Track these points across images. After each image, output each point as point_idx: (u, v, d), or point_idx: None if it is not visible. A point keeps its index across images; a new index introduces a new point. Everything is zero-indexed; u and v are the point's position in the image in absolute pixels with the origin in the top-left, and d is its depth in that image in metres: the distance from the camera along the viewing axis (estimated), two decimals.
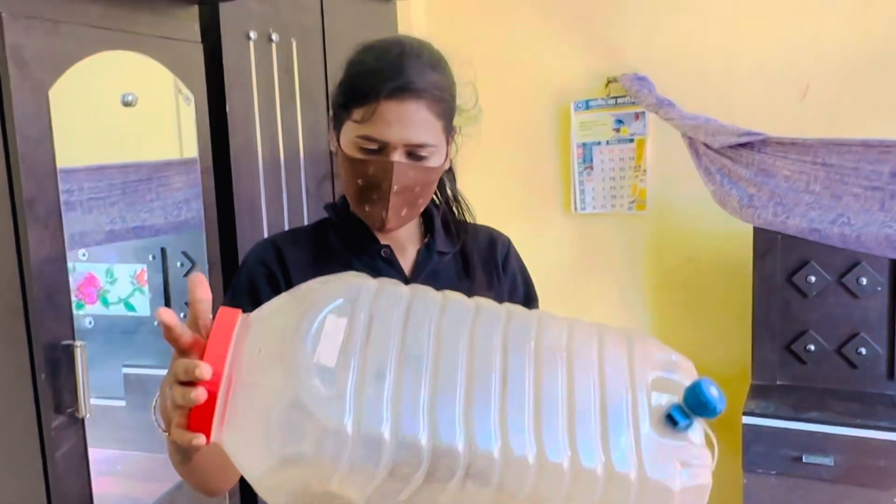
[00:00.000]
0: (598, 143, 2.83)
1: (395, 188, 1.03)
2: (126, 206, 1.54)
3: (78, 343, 1.29)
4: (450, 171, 1.21)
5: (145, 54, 1.48)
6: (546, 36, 2.87)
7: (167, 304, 1.81)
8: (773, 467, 2.21)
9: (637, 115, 2.76)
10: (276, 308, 0.72)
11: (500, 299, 1.14)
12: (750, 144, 2.29)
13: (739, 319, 2.65)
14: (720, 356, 2.77)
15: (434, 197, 1.20)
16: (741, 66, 2.62)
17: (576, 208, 2.90)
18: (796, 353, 2.43)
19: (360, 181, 1.05)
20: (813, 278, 2.36)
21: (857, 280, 2.31)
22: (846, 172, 2.12)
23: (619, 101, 2.78)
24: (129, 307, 1.82)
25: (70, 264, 1.33)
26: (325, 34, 2.05)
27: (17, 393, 1.26)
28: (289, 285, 1.08)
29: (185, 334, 0.70)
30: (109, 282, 1.81)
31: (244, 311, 1.06)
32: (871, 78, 2.46)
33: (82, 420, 1.32)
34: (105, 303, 1.81)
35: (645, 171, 2.78)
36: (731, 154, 2.34)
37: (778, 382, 2.45)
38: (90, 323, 1.76)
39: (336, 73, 2.12)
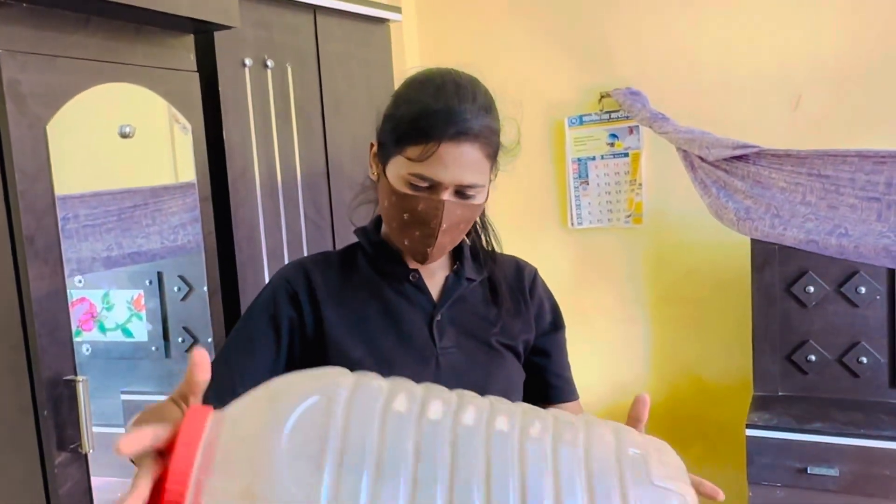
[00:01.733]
0: (593, 158, 2.84)
1: (443, 226, 1.04)
2: (122, 232, 1.53)
3: (80, 378, 1.28)
4: None
5: (142, 85, 1.48)
6: (538, 52, 2.89)
7: (164, 328, 1.80)
8: (778, 479, 2.20)
9: (631, 129, 2.77)
10: (248, 406, 0.67)
11: (527, 326, 1.18)
12: (745, 157, 2.30)
13: (739, 331, 2.65)
14: (721, 368, 2.77)
15: None
16: (733, 78, 2.63)
17: (572, 223, 2.90)
18: (797, 363, 2.42)
19: (406, 216, 1.05)
20: (812, 288, 2.36)
21: (856, 289, 2.32)
22: (842, 183, 2.13)
23: (613, 115, 2.79)
24: (127, 333, 1.81)
25: (67, 291, 1.32)
26: (319, 57, 2.06)
27: (20, 430, 1.25)
28: (314, 307, 1.09)
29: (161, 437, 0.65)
30: (106, 308, 1.80)
31: (258, 327, 1.08)
32: (862, 88, 2.47)
33: (85, 456, 1.31)
34: (102, 329, 1.80)
35: (640, 184, 2.78)
36: (727, 167, 2.35)
37: (780, 393, 2.45)
38: (87, 350, 1.75)
39: (333, 95, 2.14)
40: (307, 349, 1.09)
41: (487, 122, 1.05)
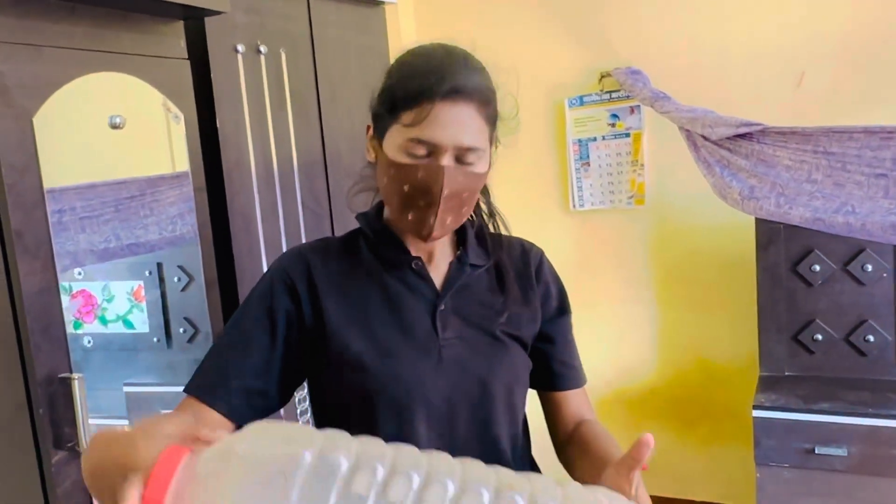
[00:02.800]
0: (594, 139, 2.80)
1: (445, 192, 1.00)
2: (120, 224, 1.51)
3: (76, 376, 1.25)
4: (484, 186, 1.18)
5: (131, 74, 1.45)
6: (536, 33, 2.84)
7: (165, 319, 1.79)
8: (786, 460, 2.19)
9: (632, 109, 2.73)
10: (216, 460, 0.65)
11: (533, 314, 1.14)
12: (749, 135, 2.26)
13: (745, 311, 2.63)
14: (727, 349, 2.75)
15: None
16: (735, 55, 2.59)
17: (574, 205, 2.87)
18: (804, 343, 2.40)
19: (406, 187, 1.01)
20: (817, 267, 2.34)
21: (863, 267, 2.29)
22: (848, 160, 2.09)
23: (614, 95, 2.75)
24: (128, 324, 1.79)
25: (66, 283, 1.30)
26: (313, 42, 2.02)
27: (16, 429, 1.23)
28: (313, 298, 1.06)
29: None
30: (107, 300, 1.78)
31: (254, 321, 1.05)
32: (867, 63, 2.43)
33: (82, 454, 1.29)
34: (103, 321, 1.78)
35: (642, 165, 2.75)
36: (730, 145, 2.31)
37: (786, 374, 2.43)
38: (89, 342, 1.73)
39: (328, 81, 2.10)
40: (306, 339, 1.06)
41: (482, 81, 1.03)
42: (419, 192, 1.01)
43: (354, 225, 1.16)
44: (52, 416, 1.24)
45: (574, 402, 1.19)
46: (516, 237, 1.22)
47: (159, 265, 1.75)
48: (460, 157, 1.01)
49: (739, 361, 2.72)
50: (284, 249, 1.90)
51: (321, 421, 1.12)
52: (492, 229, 1.20)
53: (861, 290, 2.32)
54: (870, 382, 2.31)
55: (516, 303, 1.12)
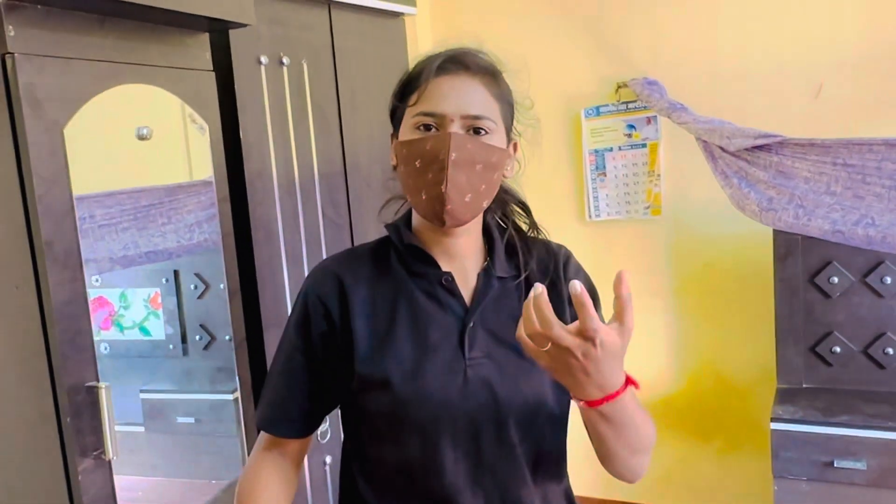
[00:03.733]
0: (611, 150, 2.81)
1: (452, 156, 0.99)
2: (138, 231, 1.52)
3: (102, 385, 1.27)
4: (522, 202, 1.22)
5: (158, 86, 1.46)
6: (553, 43, 2.85)
7: (181, 326, 1.80)
8: (804, 473, 2.18)
9: (649, 120, 2.73)
10: None
11: (560, 310, 1.09)
12: (767, 146, 2.26)
13: (762, 323, 2.62)
14: (744, 361, 2.74)
15: (500, 221, 1.18)
16: (753, 66, 2.59)
17: (590, 216, 2.88)
18: (822, 355, 2.39)
19: (417, 162, 1.02)
20: (836, 279, 2.33)
21: (882, 279, 2.28)
22: (868, 172, 2.09)
23: (630, 105, 2.75)
24: (145, 331, 1.80)
25: (87, 296, 1.31)
26: (335, 53, 2.03)
27: (43, 437, 1.24)
28: (344, 320, 1.07)
29: None
30: (123, 306, 1.79)
31: (297, 345, 1.10)
32: (885, 74, 2.43)
33: (109, 462, 1.30)
34: (120, 328, 1.79)
35: (659, 175, 2.75)
36: (748, 157, 2.31)
37: (804, 386, 2.42)
38: (106, 349, 1.74)
39: (349, 91, 2.11)
40: (337, 353, 1.09)
41: (484, 60, 1.06)
42: (429, 163, 1.01)
43: (373, 236, 1.17)
44: (78, 424, 1.25)
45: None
46: (542, 239, 1.22)
47: (176, 273, 1.77)
48: (471, 127, 1.02)
49: (757, 373, 2.71)
50: (305, 258, 1.91)
51: (352, 439, 1.14)
52: (523, 225, 1.20)
53: (880, 302, 2.31)
54: (889, 395, 2.30)
55: None
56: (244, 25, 1.58)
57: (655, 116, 2.71)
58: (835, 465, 2.14)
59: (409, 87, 1.06)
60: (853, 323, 2.35)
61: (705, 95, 2.61)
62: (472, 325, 1.07)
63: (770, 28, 2.55)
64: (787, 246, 2.37)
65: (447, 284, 1.08)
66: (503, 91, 1.08)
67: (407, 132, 1.05)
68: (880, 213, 2.07)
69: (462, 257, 1.11)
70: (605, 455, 1.07)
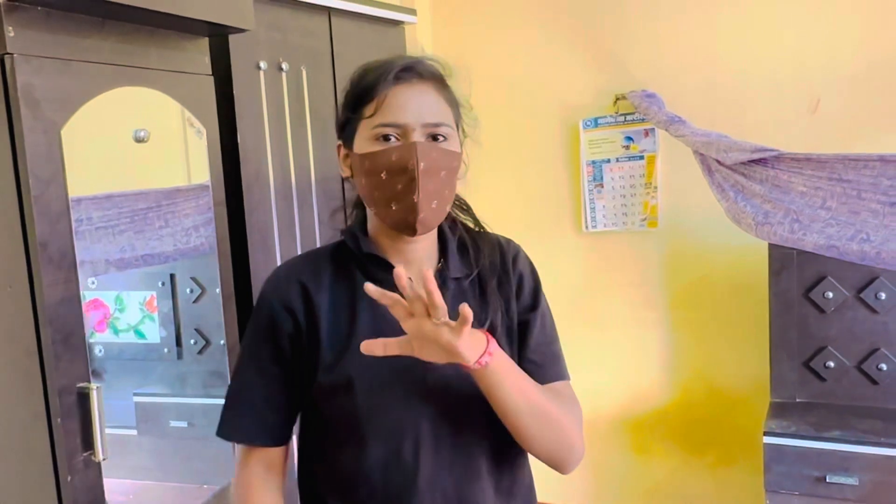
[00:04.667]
0: (608, 161, 2.82)
1: (421, 166, 1.01)
2: (135, 234, 1.52)
3: (94, 386, 1.26)
4: (465, 203, 1.23)
5: (157, 89, 1.47)
6: (553, 54, 2.86)
7: (176, 330, 1.80)
8: (797, 488, 2.17)
9: (646, 132, 2.74)
10: None
11: (510, 318, 1.13)
12: (763, 160, 2.27)
13: (756, 337, 2.62)
14: (738, 374, 2.74)
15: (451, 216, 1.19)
16: (751, 80, 2.60)
17: (587, 227, 2.88)
18: (815, 370, 2.39)
19: (383, 174, 1.02)
20: (830, 294, 2.33)
21: (876, 295, 2.28)
22: (864, 188, 2.10)
23: (628, 118, 2.76)
24: (139, 335, 1.80)
25: (81, 297, 1.31)
26: (334, 60, 2.04)
27: (34, 437, 1.24)
28: (310, 326, 1.08)
29: None
30: (119, 309, 1.79)
31: (263, 356, 1.08)
32: (882, 90, 2.44)
33: (99, 464, 1.30)
34: (115, 331, 1.79)
35: (656, 187, 2.76)
36: (745, 170, 2.32)
37: (797, 400, 2.42)
38: (100, 351, 1.74)
39: None
40: (301, 358, 1.10)
41: (430, 63, 1.08)
42: (396, 174, 1.02)
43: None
44: (69, 425, 1.25)
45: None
46: (495, 235, 1.22)
47: (172, 276, 1.77)
48: (430, 135, 1.04)
49: (750, 387, 2.71)
50: None
51: (312, 443, 1.15)
52: (472, 224, 1.21)
53: (874, 318, 2.31)
54: (882, 411, 2.30)
55: (498, 314, 1.12)
56: (244, 30, 1.59)
57: (653, 129, 2.72)
58: (827, 481, 2.13)
59: (362, 96, 1.05)
60: (847, 338, 2.35)
61: (703, 108, 2.62)
62: None
63: (768, 43, 2.57)
64: (782, 260, 2.37)
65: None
66: (452, 95, 1.10)
67: (365, 144, 1.04)
68: (875, 229, 2.07)
69: (418, 260, 1.12)
70: (516, 430, 1.07)
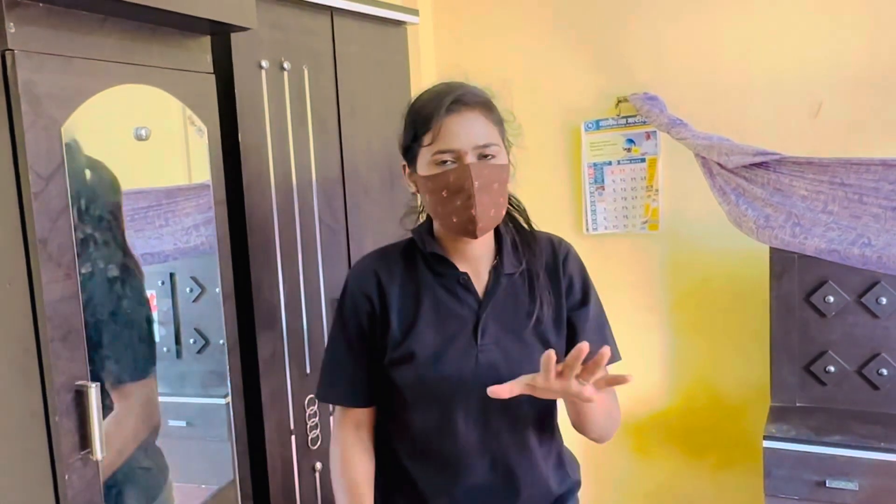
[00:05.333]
0: (609, 163, 2.81)
1: (476, 184, 1.21)
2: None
3: (92, 384, 1.26)
4: (519, 203, 1.44)
5: (158, 87, 1.46)
6: (555, 56, 2.86)
7: (176, 330, 1.79)
8: (796, 492, 2.17)
9: (648, 135, 2.74)
10: None
11: (559, 311, 1.35)
12: (765, 164, 2.27)
13: (757, 340, 2.62)
14: (738, 378, 2.73)
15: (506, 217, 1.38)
16: (753, 84, 2.60)
17: (588, 229, 2.88)
18: (816, 374, 2.39)
19: (444, 192, 1.23)
20: (831, 298, 2.33)
21: (877, 299, 2.28)
22: (865, 192, 2.09)
23: (630, 120, 2.76)
24: None
25: (80, 295, 1.30)
26: (336, 59, 2.04)
27: (31, 435, 1.23)
28: (382, 309, 1.33)
29: None
30: None
31: (349, 333, 1.36)
32: (885, 95, 2.44)
33: (97, 462, 1.29)
34: None
35: (657, 190, 2.75)
36: (746, 174, 2.32)
37: (798, 404, 2.41)
38: None
39: (349, 98, 2.12)
40: (377, 332, 1.34)
41: (478, 92, 1.27)
42: (456, 192, 1.22)
43: (369, 242, 1.41)
44: (67, 424, 1.24)
45: None
46: (546, 234, 1.42)
47: (172, 275, 1.76)
48: (481, 154, 1.23)
49: (750, 390, 2.70)
50: (300, 264, 1.91)
51: (385, 406, 1.38)
52: (523, 222, 1.41)
53: (875, 322, 2.31)
54: (882, 416, 2.29)
55: (545, 305, 1.32)
56: (246, 29, 1.58)
57: (655, 131, 2.71)
58: (827, 485, 2.13)
59: (420, 128, 1.25)
60: (848, 343, 2.35)
61: (705, 112, 2.62)
62: (484, 316, 1.30)
63: (771, 46, 2.57)
64: (783, 264, 2.37)
65: (463, 283, 1.32)
66: (497, 115, 1.29)
67: (427, 167, 1.25)
68: (877, 234, 2.07)
69: (476, 258, 1.34)
70: (582, 424, 1.33)
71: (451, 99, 1.23)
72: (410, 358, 1.28)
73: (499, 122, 1.29)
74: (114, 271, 1.42)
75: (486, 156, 1.24)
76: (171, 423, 1.83)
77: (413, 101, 1.32)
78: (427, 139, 1.24)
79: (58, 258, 1.23)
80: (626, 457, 2.95)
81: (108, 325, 1.39)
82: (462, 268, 1.33)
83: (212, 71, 1.61)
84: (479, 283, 1.33)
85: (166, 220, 1.59)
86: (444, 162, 1.23)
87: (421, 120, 1.25)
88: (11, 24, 1.17)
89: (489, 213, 1.25)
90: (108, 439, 1.32)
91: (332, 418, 1.57)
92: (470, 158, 1.22)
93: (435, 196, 1.25)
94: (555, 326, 1.34)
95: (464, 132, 1.22)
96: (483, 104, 1.26)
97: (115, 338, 1.41)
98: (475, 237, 1.26)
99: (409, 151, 1.30)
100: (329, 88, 2.02)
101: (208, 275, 1.68)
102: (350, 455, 1.38)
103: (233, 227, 1.71)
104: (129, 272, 1.49)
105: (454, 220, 1.24)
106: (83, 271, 1.30)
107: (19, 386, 1.22)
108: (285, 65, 1.85)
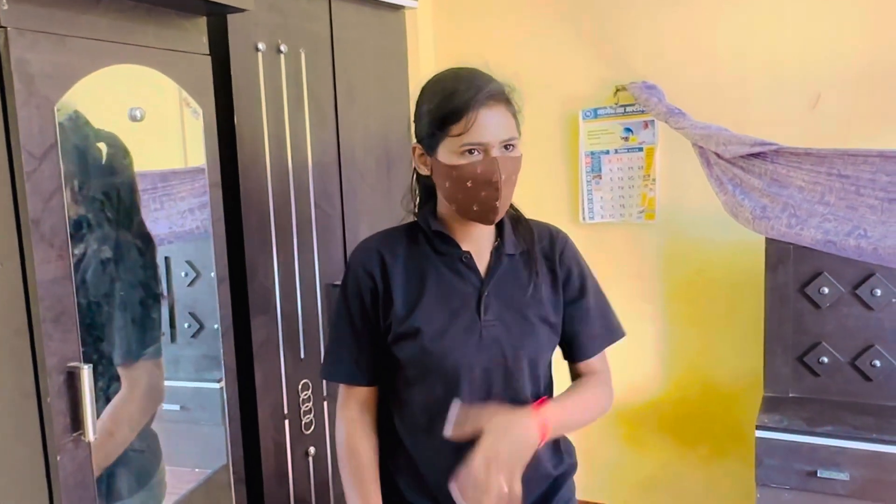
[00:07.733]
0: (607, 152, 2.81)
1: (503, 178, 1.24)
2: None
3: (84, 365, 1.25)
4: None
5: (153, 68, 1.45)
6: (553, 43, 2.85)
7: (170, 313, 1.78)
8: (787, 482, 2.18)
9: (646, 124, 2.73)
10: None
11: (557, 296, 1.39)
12: (762, 154, 2.26)
13: (751, 331, 2.62)
14: (731, 368, 2.74)
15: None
16: (752, 74, 2.59)
17: (584, 218, 2.87)
18: (809, 365, 2.40)
19: (469, 183, 1.26)
20: (826, 289, 2.33)
21: (872, 291, 2.28)
22: (862, 184, 2.09)
23: (628, 109, 2.75)
24: None
25: (73, 276, 1.29)
26: (333, 43, 2.02)
27: (23, 417, 1.22)
28: (386, 287, 1.35)
29: None
30: None
31: (353, 312, 1.37)
32: (883, 87, 2.43)
33: (88, 444, 1.29)
34: None
35: (654, 179, 2.75)
36: (743, 164, 2.31)
37: (791, 395, 2.42)
38: None
39: (346, 82, 2.10)
40: (380, 313, 1.36)
41: (504, 86, 1.29)
42: (482, 184, 1.25)
43: (365, 227, 1.40)
44: (59, 405, 1.24)
45: (583, 369, 1.46)
46: (545, 223, 1.45)
47: (167, 259, 1.75)
48: (505, 146, 1.26)
49: (744, 381, 2.71)
50: (295, 247, 1.90)
51: (388, 383, 1.41)
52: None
53: (869, 314, 2.31)
54: (874, 407, 2.30)
55: (544, 287, 1.37)
56: (242, 10, 1.57)
57: (653, 121, 2.71)
58: (818, 475, 2.14)
59: (450, 116, 1.25)
60: (842, 334, 2.35)
61: (703, 101, 2.62)
62: (486, 294, 1.34)
63: (770, 37, 2.56)
64: (779, 255, 2.37)
65: (466, 261, 1.35)
66: (515, 109, 1.30)
67: (451, 156, 1.26)
68: (873, 225, 2.07)
69: (478, 239, 1.37)
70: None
71: (486, 94, 1.24)
72: (415, 333, 1.30)
73: (516, 113, 1.32)
74: (126, 247, 1.42)
75: (507, 147, 1.27)
76: (165, 406, 1.83)
77: (433, 84, 1.32)
78: (457, 129, 1.24)
79: (50, 238, 1.22)
80: (618, 445, 2.96)
81: (120, 303, 1.39)
82: (465, 247, 1.36)
83: (208, 52, 1.59)
84: (482, 262, 1.37)
85: (161, 203, 1.58)
86: (471, 152, 1.24)
87: (452, 109, 1.25)
88: (4, 1, 1.15)
89: (507, 202, 1.30)
90: (116, 417, 1.33)
91: (330, 404, 1.62)
92: (496, 151, 1.24)
93: (458, 184, 1.26)
94: (553, 307, 1.38)
95: (493, 126, 1.24)
96: (506, 98, 1.29)
97: (128, 314, 1.41)
98: (491, 224, 1.31)
99: (430, 138, 1.29)
100: (326, 72, 2.01)
101: (203, 259, 1.67)
102: (355, 439, 1.39)
103: (228, 211, 1.70)
104: (143, 249, 1.49)
105: (475, 208, 1.27)
106: (76, 252, 1.29)
107: (11, 367, 1.21)
108: (282, 47, 1.84)
